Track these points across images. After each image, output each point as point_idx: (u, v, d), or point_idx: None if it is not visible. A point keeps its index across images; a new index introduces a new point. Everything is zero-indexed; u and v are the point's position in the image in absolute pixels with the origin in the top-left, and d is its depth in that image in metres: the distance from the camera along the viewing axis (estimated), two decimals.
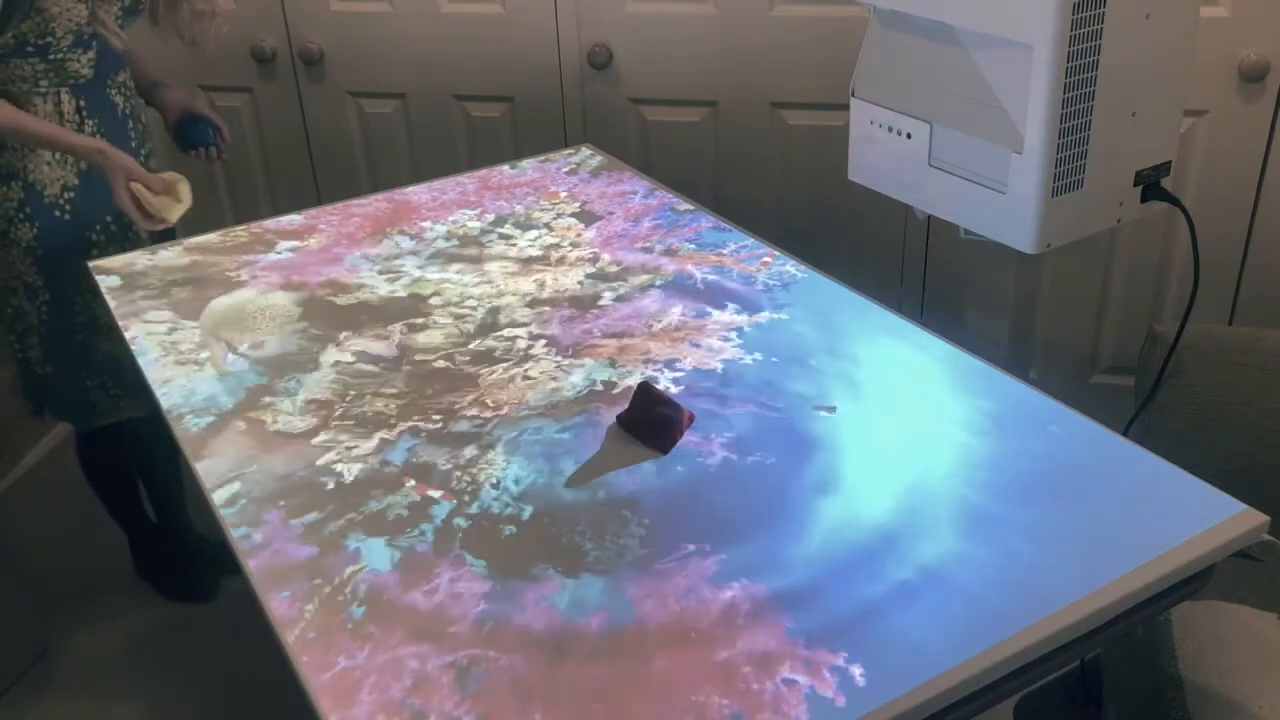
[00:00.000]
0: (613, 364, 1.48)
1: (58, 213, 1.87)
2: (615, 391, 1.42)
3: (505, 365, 1.49)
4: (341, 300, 1.67)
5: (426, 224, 1.90)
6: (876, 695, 0.98)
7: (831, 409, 1.35)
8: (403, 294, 1.68)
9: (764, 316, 1.57)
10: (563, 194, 1.98)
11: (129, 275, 1.77)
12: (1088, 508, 1.18)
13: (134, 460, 2.19)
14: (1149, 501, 1.18)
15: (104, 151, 1.80)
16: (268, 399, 1.44)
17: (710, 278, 1.68)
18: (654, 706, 0.98)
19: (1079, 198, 1.45)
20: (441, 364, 1.50)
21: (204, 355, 1.54)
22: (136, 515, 2.26)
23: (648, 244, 1.79)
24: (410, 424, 1.38)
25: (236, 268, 1.77)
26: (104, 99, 1.91)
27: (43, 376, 1.98)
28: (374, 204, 1.99)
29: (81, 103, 1.87)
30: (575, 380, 1.45)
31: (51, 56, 1.80)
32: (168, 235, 2.04)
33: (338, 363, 1.51)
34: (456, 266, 1.75)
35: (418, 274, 1.73)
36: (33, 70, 1.80)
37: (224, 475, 1.31)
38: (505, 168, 2.11)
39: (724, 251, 1.75)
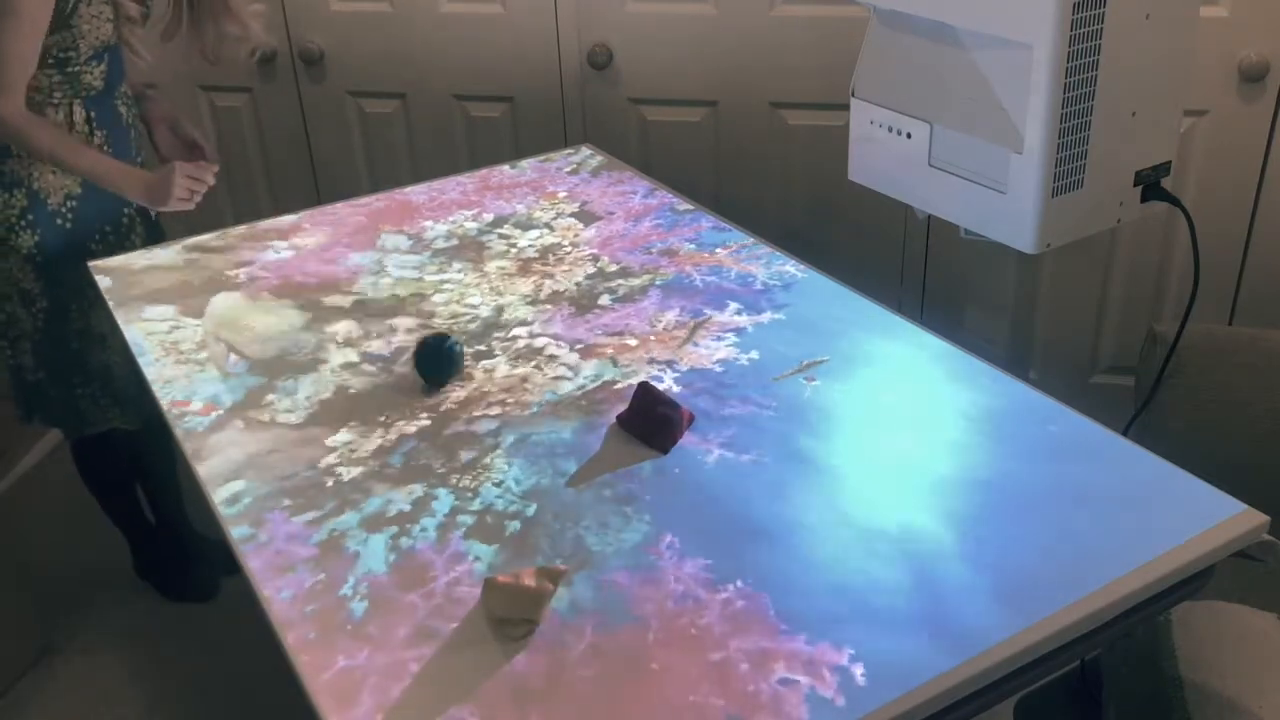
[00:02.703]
0: (613, 364, 1.48)
1: (59, 221, 1.87)
2: (615, 391, 1.42)
3: (506, 365, 1.49)
4: (341, 300, 1.67)
5: (427, 224, 1.90)
6: (877, 695, 0.98)
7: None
8: (403, 294, 1.68)
9: (764, 317, 1.57)
10: (562, 194, 1.98)
11: (128, 275, 1.77)
12: (1088, 507, 1.18)
13: (130, 462, 2.19)
14: (1149, 501, 1.18)
15: (146, 184, 1.82)
16: (268, 398, 1.44)
17: (710, 278, 1.68)
18: (652, 706, 0.98)
19: (1079, 198, 1.44)
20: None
21: (204, 355, 1.54)
22: (134, 516, 2.25)
23: (648, 244, 1.79)
24: (410, 423, 1.38)
25: (236, 267, 1.77)
26: (111, 110, 1.91)
27: (33, 383, 1.97)
28: (374, 204, 1.99)
29: (92, 114, 1.86)
30: (576, 380, 1.45)
31: (70, 69, 1.80)
32: (163, 236, 2.04)
33: (338, 362, 1.51)
34: (457, 266, 1.75)
35: (418, 274, 1.73)
36: (49, 81, 1.80)
37: (224, 474, 1.31)
38: (505, 168, 2.11)
39: (724, 251, 1.75)
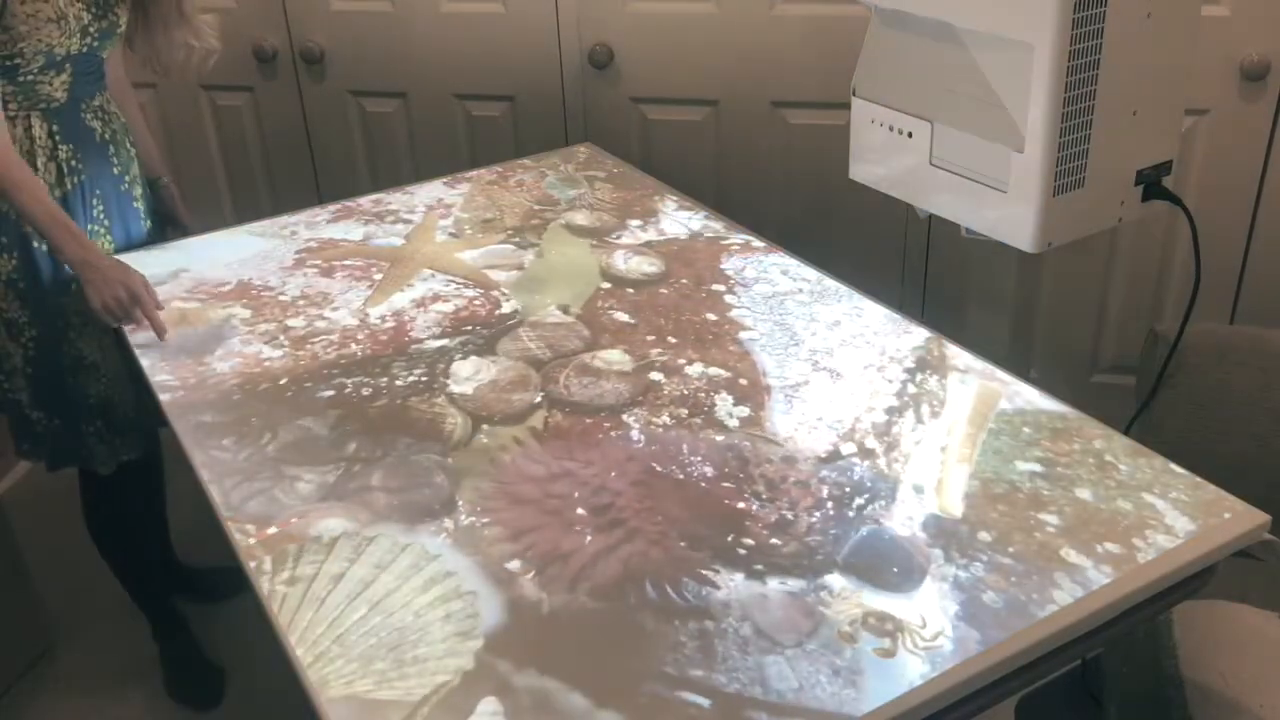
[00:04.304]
0: (613, 364, 1.48)
1: (38, 243, 1.74)
2: (615, 390, 1.42)
3: (507, 367, 1.49)
4: (340, 300, 1.67)
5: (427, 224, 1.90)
6: (877, 694, 0.98)
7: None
8: (402, 294, 1.68)
9: (765, 316, 1.57)
10: (562, 195, 1.98)
11: None
12: (1087, 507, 1.18)
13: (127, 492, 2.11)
14: (1149, 501, 1.18)
15: (93, 265, 1.65)
16: (274, 397, 1.44)
17: (710, 278, 1.68)
18: (651, 700, 0.98)
19: (1080, 197, 1.44)
20: (441, 365, 1.50)
21: (206, 354, 1.54)
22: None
23: (648, 244, 1.79)
24: (411, 421, 1.38)
25: (238, 265, 1.77)
26: (79, 124, 1.79)
27: (34, 420, 1.86)
28: (373, 203, 1.99)
29: (54, 127, 1.75)
30: (578, 382, 1.45)
31: (21, 78, 1.69)
32: (162, 236, 2.02)
33: (338, 361, 1.51)
34: (456, 267, 1.75)
35: (417, 275, 1.73)
36: (1, 92, 1.67)
37: (227, 473, 1.31)
38: (503, 167, 2.11)
39: (724, 251, 1.75)
